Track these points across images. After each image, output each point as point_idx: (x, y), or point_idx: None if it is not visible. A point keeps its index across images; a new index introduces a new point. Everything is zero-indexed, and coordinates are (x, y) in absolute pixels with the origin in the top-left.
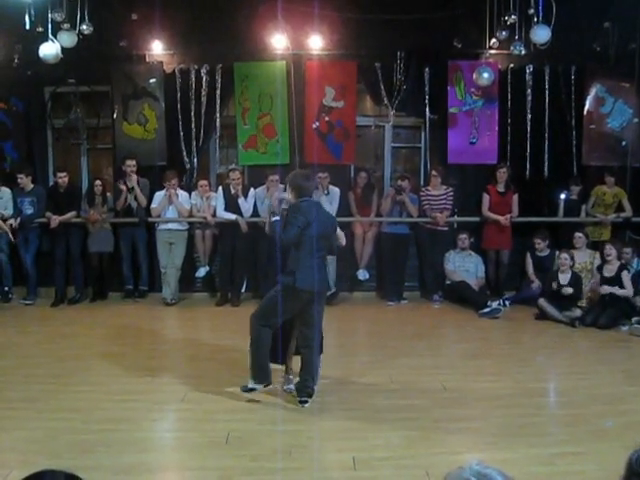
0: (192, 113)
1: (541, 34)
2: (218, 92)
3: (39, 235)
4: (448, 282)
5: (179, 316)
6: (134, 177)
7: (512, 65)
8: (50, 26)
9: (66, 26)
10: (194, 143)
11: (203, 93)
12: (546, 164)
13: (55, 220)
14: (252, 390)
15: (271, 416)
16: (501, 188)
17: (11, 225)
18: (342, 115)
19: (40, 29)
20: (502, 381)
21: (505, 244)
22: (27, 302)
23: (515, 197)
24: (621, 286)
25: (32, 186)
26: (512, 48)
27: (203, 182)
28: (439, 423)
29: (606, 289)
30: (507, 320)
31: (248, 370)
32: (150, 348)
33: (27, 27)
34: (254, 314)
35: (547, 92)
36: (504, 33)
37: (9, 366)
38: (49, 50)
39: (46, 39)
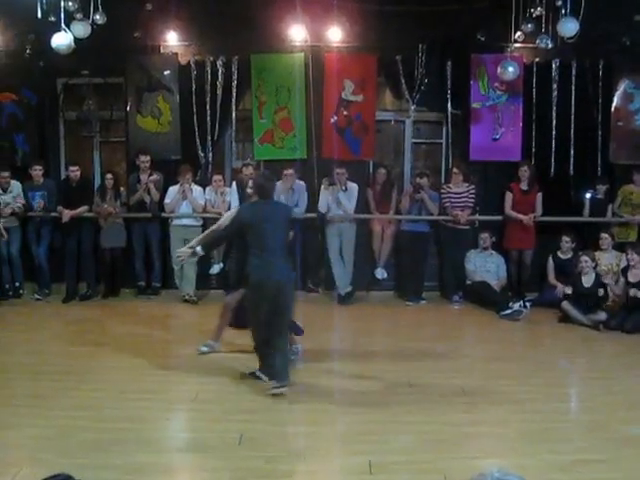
0: (207, 106)
1: (568, 27)
2: (234, 85)
3: (51, 230)
4: (469, 282)
5: (192, 313)
6: (148, 173)
7: (538, 59)
8: (63, 16)
9: (79, 16)
10: (209, 137)
11: (219, 86)
12: (572, 162)
13: (67, 214)
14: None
15: (285, 417)
16: (524, 186)
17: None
18: (361, 109)
19: (52, 19)
20: (523, 385)
21: (528, 244)
22: (40, 297)
23: (539, 196)
24: None
25: (43, 180)
26: (538, 41)
27: (218, 177)
28: (458, 427)
29: (636, 292)
30: (529, 322)
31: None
32: (163, 346)
33: (39, 16)
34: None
35: (574, 87)
36: (530, 26)
37: (20, 363)
38: (62, 40)
39: (59, 29)
